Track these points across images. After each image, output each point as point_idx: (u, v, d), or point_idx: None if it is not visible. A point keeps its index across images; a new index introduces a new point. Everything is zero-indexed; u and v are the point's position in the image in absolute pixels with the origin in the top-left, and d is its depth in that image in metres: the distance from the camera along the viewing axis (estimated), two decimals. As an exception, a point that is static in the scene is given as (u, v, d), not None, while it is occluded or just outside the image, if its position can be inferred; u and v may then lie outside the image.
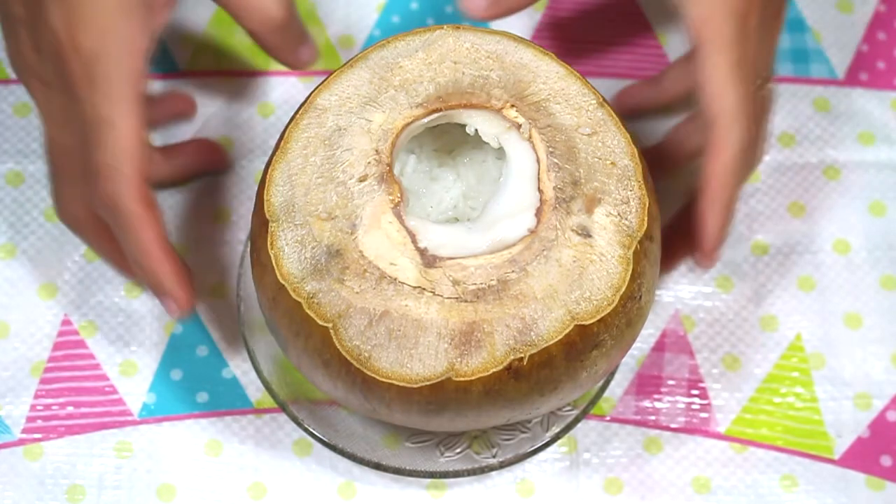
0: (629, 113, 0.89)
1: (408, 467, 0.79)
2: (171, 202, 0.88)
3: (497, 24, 0.93)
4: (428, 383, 0.68)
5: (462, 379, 0.68)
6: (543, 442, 0.79)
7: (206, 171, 0.89)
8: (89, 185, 0.76)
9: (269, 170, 0.72)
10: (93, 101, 0.74)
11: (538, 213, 0.71)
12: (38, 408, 0.83)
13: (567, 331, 0.69)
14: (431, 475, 0.79)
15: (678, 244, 0.81)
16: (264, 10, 0.78)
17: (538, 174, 0.71)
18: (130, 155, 0.74)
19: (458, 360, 0.68)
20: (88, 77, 0.74)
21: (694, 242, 0.78)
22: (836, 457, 0.83)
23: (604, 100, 0.74)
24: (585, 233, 0.70)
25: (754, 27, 0.77)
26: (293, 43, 0.82)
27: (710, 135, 0.76)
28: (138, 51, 0.75)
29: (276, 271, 0.70)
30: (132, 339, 0.85)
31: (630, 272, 0.70)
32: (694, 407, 0.84)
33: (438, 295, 0.69)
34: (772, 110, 0.82)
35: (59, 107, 0.77)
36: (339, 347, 0.69)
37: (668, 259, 0.81)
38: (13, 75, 0.90)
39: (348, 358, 0.69)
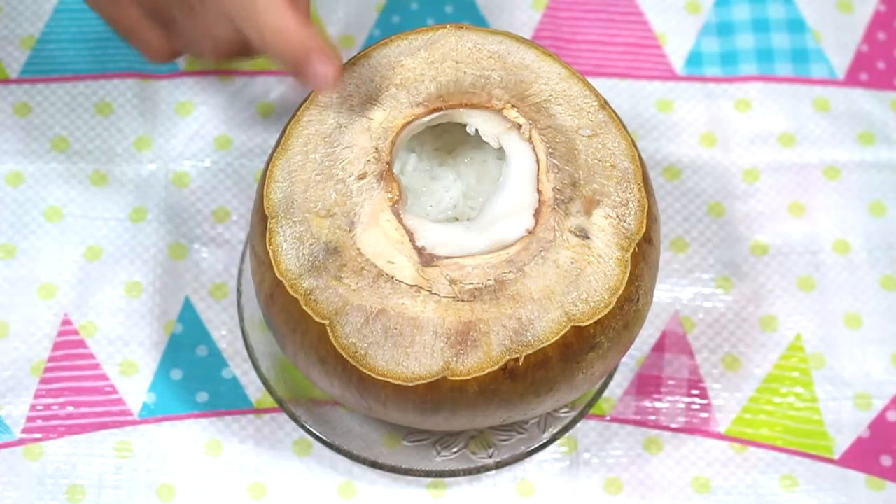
0: None
1: (404, 466, 0.79)
2: (171, 201, 0.88)
3: (496, 24, 0.93)
4: (423, 382, 0.68)
5: (458, 378, 0.68)
6: (540, 443, 0.79)
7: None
8: None
9: (270, 166, 0.72)
10: None
11: (537, 213, 0.71)
12: (38, 408, 0.83)
13: (563, 332, 0.68)
14: (427, 474, 0.79)
15: None
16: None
17: (537, 175, 0.71)
18: None
19: (454, 359, 0.68)
20: None
21: None
22: (836, 457, 0.83)
23: (605, 102, 0.73)
24: (583, 234, 0.70)
25: None
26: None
27: None
28: None
29: (274, 267, 0.70)
30: (132, 338, 0.85)
31: (628, 274, 0.70)
32: (694, 407, 0.84)
33: (435, 294, 0.69)
34: None
35: None
36: (335, 344, 0.69)
37: None
38: (13, 75, 0.91)
39: (344, 355, 0.69)
